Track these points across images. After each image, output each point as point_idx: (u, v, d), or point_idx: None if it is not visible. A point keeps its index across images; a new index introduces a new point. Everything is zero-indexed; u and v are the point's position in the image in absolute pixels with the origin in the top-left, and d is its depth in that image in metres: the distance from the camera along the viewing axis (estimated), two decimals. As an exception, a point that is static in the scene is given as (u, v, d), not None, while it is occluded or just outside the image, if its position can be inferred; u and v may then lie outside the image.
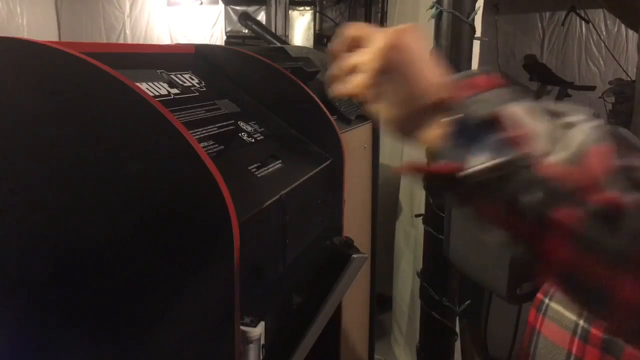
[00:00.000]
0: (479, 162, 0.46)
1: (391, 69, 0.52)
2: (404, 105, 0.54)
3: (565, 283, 0.47)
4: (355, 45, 0.55)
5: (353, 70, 0.54)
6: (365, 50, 0.54)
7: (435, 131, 0.52)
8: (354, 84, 0.54)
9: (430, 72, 0.54)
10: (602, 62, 3.98)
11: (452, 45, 1.48)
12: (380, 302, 2.30)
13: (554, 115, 0.47)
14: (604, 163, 0.43)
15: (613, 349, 0.67)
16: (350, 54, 0.55)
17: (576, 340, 0.72)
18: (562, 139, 0.45)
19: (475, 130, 0.47)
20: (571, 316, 0.74)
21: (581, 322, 0.72)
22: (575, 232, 0.42)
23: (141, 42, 4.72)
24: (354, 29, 0.56)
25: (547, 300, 0.79)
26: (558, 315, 0.76)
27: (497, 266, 0.98)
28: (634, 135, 0.50)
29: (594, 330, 0.70)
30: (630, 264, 0.41)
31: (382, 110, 0.55)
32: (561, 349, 0.73)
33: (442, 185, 0.49)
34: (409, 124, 0.55)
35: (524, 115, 0.47)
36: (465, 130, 0.48)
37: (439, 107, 0.52)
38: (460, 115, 0.49)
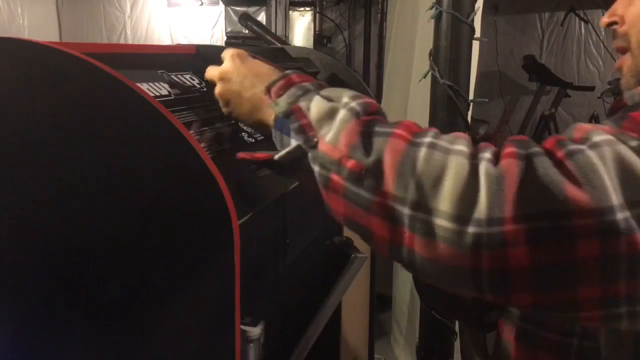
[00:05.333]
0: (284, 148, 0.68)
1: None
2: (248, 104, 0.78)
3: (348, 227, 0.65)
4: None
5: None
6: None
7: (267, 117, 0.74)
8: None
9: (258, 77, 0.77)
10: (601, 63, 3.98)
11: (452, 46, 1.48)
12: (380, 301, 2.31)
13: (330, 100, 0.67)
14: (349, 138, 0.61)
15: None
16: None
17: None
18: (331, 121, 0.64)
19: (284, 119, 0.69)
20: None
21: None
22: (341, 190, 0.61)
23: (142, 42, 4.73)
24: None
25: None
26: None
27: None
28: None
29: None
30: (374, 210, 0.59)
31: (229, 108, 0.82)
32: None
33: (264, 166, 0.73)
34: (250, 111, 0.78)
35: (307, 106, 0.67)
36: (279, 120, 0.70)
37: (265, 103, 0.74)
38: (275, 112, 0.71)
